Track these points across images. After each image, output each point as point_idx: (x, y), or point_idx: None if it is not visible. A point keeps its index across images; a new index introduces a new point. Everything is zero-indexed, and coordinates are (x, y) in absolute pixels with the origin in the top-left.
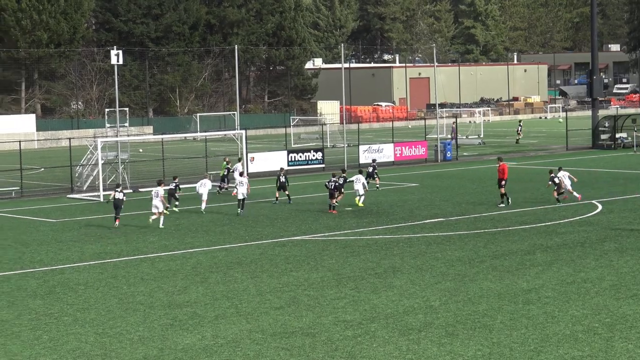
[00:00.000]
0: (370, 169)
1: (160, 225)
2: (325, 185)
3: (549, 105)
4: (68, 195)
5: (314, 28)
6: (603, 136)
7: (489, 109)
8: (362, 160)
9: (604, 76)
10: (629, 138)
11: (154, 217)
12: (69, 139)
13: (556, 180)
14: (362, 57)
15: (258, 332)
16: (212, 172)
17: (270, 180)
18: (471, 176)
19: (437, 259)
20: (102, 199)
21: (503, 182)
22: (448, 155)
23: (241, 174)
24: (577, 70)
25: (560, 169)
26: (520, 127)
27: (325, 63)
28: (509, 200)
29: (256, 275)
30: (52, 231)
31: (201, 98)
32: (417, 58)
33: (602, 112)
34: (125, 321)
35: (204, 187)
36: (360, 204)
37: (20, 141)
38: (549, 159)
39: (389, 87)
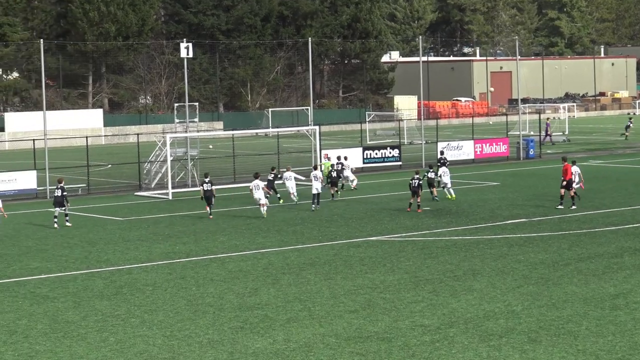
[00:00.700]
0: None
1: (264, 215)
2: (410, 183)
3: (637, 101)
4: (136, 193)
5: (391, 20)
6: None
7: (574, 104)
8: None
9: None
10: None
11: (263, 209)
12: (137, 134)
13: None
14: (441, 50)
15: (331, 336)
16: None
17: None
18: (555, 175)
19: (519, 262)
20: (170, 197)
21: (565, 183)
22: (531, 153)
23: (315, 167)
24: None
25: (574, 164)
26: (630, 123)
27: (403, 56)
28: (574, 203)
29: (330, 277)
30: (120, 230)
31: (273, 93)
32: (498, 51)
33: None
34: (194, 323)
35: (290, 180)
36: (453, 196)
37: (87, 137)
38: (637, 157)
39: (469, 82)
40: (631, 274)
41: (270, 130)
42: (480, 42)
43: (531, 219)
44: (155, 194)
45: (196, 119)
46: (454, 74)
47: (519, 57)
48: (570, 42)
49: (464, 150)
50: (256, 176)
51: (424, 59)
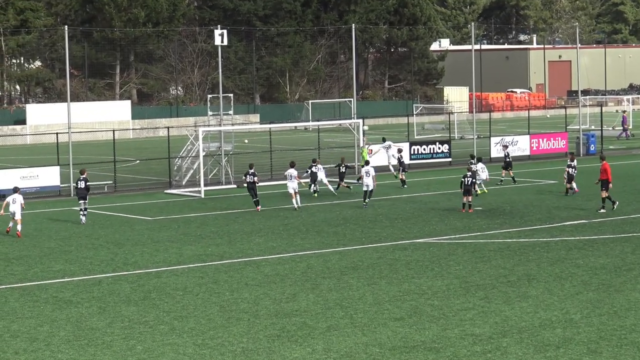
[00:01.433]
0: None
1: (295, 206)
2: (462, 181)
3: None
4: (166, 191)
5: (441, 5)
6: None
7: (639, 96)
8: (493, 154)
9: None
10: None
11: (294, 200)
12: (167, 128)
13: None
14: (495, 37)
15: (375, 345)
16: (328, 165)
17: (389, 176)
18: (618, 172)
19: (579, 266)
20: (202, 195)
21: (609, 185)
22: (592, 149)
23: (367, 163)
24: None
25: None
26: None
27: (453, 44)
28: (614, 205)
29: (373, 281)
30: (148, 230)
31: (314, 83)
32: (557, 39)
33: None
34: (227, 331)
35: (320, 171)
36: (484, 190)
37: (114, 130)
38: None
39: (525, 72)
40: None
41: (310, 123)
42: (537, 28)
43: (591, 220)
44: (186, 191)
45: (231, 112)
46: (509, 63)
47: (579, 45)
48: (635, 29)
49: (520, 145)
50: (292, 165)
51: (477, 47)
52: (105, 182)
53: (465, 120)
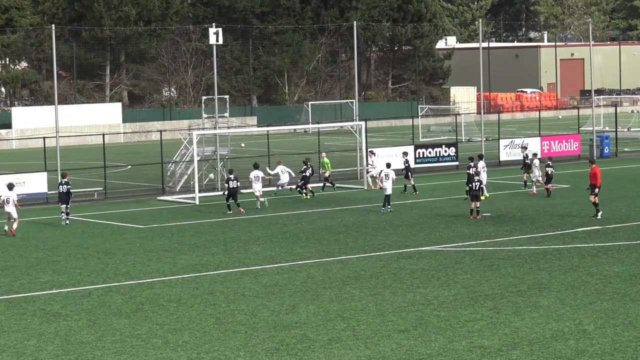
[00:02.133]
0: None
1: (258, 205)
2: (469, 185)
3: None
4: (158, 197)
5: (447, 1)
6: None
7: None
8: (502, 157)
9: None
10: None
11: (259, 202)
12: (160, 131)
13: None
14: (504, 34)
15: (379, 359)
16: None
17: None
18: (633, 176)
19: (592, 275)
20: (197, 202)
21: (596, 190)
22: (606, 151)
23: (388, 166)
24: None
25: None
26: None
27: (460, 42)
28: (599, 213)
29: (377, 292)
30: (140, 239)
31: (313, 84)
32: (569, 36)
33: None
34: (223, 344)
35: (285, 174)
36: (486, 195)
37: (103, 134)
38: None
39: (536, 71)
40: None
41: (310, 126)
42: (548, 25)
43: (605, 226)
44: (180, 198)
45: (226, 114)
46: (519, 61)
47: (592, 43)
48: None
49: (530, 148)
50: (256, 166)
51: (485, 45)
52: (95, 189)
53: (472, 122)
